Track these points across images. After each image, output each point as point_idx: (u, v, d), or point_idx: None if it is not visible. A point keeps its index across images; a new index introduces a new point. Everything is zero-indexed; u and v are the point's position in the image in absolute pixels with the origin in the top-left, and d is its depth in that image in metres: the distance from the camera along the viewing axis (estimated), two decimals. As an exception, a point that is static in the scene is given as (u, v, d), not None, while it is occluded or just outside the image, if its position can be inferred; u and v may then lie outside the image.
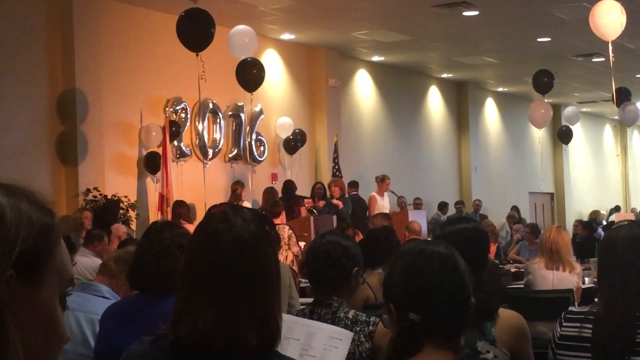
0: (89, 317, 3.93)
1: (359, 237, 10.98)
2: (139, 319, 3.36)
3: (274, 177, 15.64)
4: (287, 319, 2.29)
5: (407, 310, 2.32)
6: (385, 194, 16.09)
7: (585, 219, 22.41)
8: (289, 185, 14.77)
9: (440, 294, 2.34)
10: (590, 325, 3.10)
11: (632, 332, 2.99)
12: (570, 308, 3.21)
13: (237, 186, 14.46)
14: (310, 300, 3.71)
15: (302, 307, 3.93)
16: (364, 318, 3.49)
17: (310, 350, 3.01)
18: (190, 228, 3.44)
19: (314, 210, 14.08)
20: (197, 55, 11.17)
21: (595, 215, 24.90)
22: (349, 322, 3.45)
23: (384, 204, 15.81)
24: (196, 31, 11.29)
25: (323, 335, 3.02)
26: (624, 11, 11.12)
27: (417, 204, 18.50)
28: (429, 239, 12.35)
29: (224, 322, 2.05)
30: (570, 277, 7.66)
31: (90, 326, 3.89)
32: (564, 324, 3.17)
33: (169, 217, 12.44)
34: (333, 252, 3.55)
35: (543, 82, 16.64)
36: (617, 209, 27.30)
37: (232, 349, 2.05)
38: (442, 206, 19.61)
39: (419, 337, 2.33)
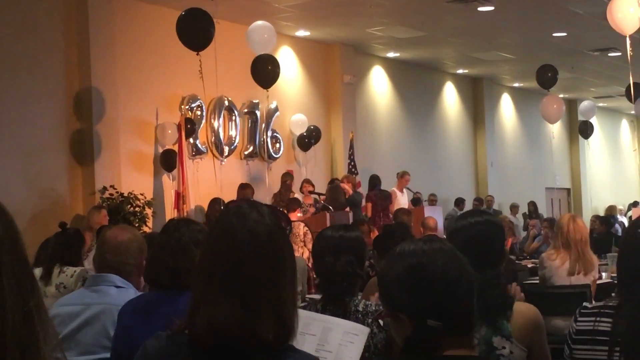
0: (106, 308, 3.96)
1: (375, 233, 11.00)
2: (156, 315, 3.38)
3: (290, 173, 15.61)
4: (303, 315, 2.29)
5: (422, 318, 2.29)
6: (405, 189, 16.11)
7: (602, 214, 22.31)
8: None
9: (457, 296, 2.31)
10: (607, 319, 3.06)
11: None
12: (585, 304, 3.18)
13: (287, 178, 14.60)
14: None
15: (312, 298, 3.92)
16: (373, 308, 3.49)
17: (327, 346, 3.01)
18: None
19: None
20: (197, 54, 11.19)
21: (611, 210, 24.77)
22: (359, 315, 3.46)
23: (403, 199, 15.82)
24: (195, 31, 11.35)
25: (339, 330, 3.02)
26: (642, 5, 11.06)
27: (432, 200, 18.47)
28: (444, 236, 12.35)
29: (239, 314, 2.06)
30: (589, 276, 7.56)
31: (109, 316, 3.92)
32: (579, 319, 3.15)
33: (184, 214, 12.46)
34: (346, 271, 3.54)
35: (547, 77, 16.57)
36: (635, 204, 27.16)
37: (248, 342, 2.06)
38: (459, 202, 19.57)
39: (437, 340, 2.31)
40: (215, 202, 12.93)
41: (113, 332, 3.75)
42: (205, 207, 13.71)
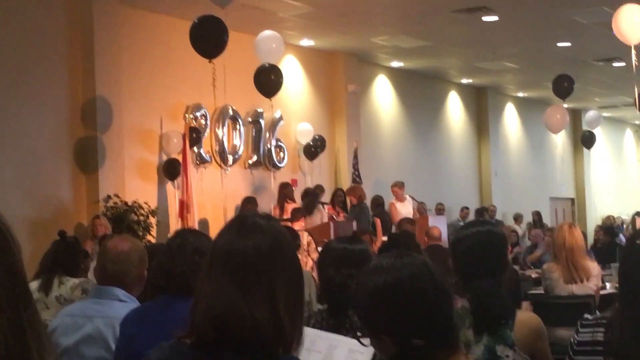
0: (108, 322, 3.96)
1: (378, 244, 11.01)
2: (159, 324, 3.39)
3: (294, 183, 15.62)
4: (309, 332, 2.31)
5: (404, 337, 2.26)
6: (408, 198, 16.06)
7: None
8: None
9: (434, 310, 2.28)
10: (602, 329, 3.07)
11: None
12: (586, 315, 3.20)
13: (317, 189, 14.87)
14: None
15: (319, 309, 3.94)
16: None
17: None
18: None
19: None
20: (209, 61, 11.17)
21: (609, 220, 24.77)
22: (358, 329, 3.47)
23: (405, 209, 15.79)
24: (209, 38, 11.30)
25: (344, 348, 3.03)
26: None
27: (439, 209, 18.47)
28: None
29: (238, 303, 2.11)
30: (589, 284, 7.57)
31: (111, 330, 3.93)
32: (580, 330, 3.16)
33: (189, 223, 12.47)
34: (345, 284, 3.54)
35: (563, 87, 16.57)
36: (638, 214, 27.12)
37: (246, 328, 2.09)
38: (463, 210, 19.65)
39: (426, 357, 2.28)
40: (248, 201, 13.39)
41: (114, 346, 3.76)
42: (209, 217, 13.76)
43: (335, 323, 3.49)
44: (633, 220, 24.99)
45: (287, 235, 2.28)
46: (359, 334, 2.33)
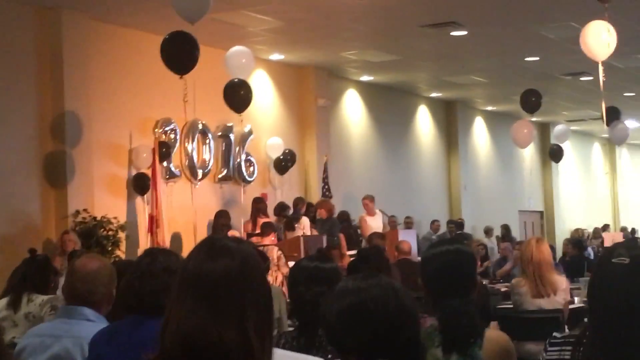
0: (77, 342, 3.94)
1: (347, 259, 11.03)
2: (128, 343, 3.41)
3: (264, 197, 15.61)
4: (278, 353, 2.33)
5: (371, 357, 2.28)
6: (378, 212, 16.12)
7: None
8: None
9: (400, 330, 2.30)
10: (570, 348, 3.08)
11: None
12: (555, 334, 3.19)
13: (299, 201, 14.69)
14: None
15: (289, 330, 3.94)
16: None
17: None
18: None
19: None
20: (180, 77, 11.14)
21: (577, 233, 25.01)
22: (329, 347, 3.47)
23: (375, 222, 15.84)
24: (180, 54, 11.26)
25: None
26: (613, 31, 11.16)
27: (408, 223, 18.52)
28: (419, 258, 12.38)
29: (205, 321, 2.11)
30: (557, 298, 7.63)
31: (79, 350, 3.91)
32: (549, 349, 3.16)
33: (159, 238, 12.43)
34: (316, 301, 3.53)
35: (531, 102, 16.69)
36: (604, 227, 27.38)
37: (214, 349, 2.09)
38: (434, 222, 19.78)
39: None
40: (220, 215, 13.51)
41: None
42: (179, 231, 13.72)
43: (306, 342, 3.49)
44: (596, 232, 25.24)
45: (256, 257, 2.29)
46: (329, 356, 2.35)
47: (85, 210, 12.08)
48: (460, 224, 20.46)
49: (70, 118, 12.26)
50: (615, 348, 2.92)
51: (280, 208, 14.82)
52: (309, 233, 13.95)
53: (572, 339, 3.10)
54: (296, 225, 13.93)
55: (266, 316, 2.23)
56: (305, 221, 14.32)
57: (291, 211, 14.84)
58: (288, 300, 8.78)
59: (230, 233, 13.48)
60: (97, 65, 12.90)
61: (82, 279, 4.06)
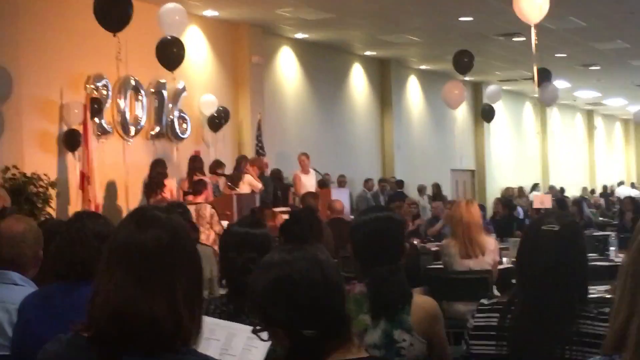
0: (3, 307, 3.89)
1: (279, 218, 11.05)
2: (61, 307, 3.39)
3: (197, 154, 15.53)
4: (208, 321, 2.34)
5: (297, 329, 2.32)
6: (311, 171, 16.16)
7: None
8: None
9: (325, 302, 2.33)
10: (497, 314, 3.14)
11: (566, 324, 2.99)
12: (482, 300, 3.25)
13: (241, 159, 14.70)
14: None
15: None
16: None
17: (230, 350, 3.05)
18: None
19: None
20: (114, 35, 10.98)
21: (508, 192, 25.43)
22: None
23: (309, 181, 15.89)
24: (113, 12, 11.11)
25: (243, 335, 3.06)
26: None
27: (341, 182, 18.60)
28: (352, 216, 12.45)
29: (134, 293, 2.13)
30: (486, 258, 7.75)
31: (7, 315, 3.85)
32: (476, 315, 3.22)
33: (90, 195, 12.33)
34: (248, 267, 3.54)
35: (463, 62, 16.81)
36: (534, 187, 27.83)
37: (143, 322, 2.11)
38: (368, 181, 19.89)
39: (319, 349, 2.34)
40: (157, 164, 13.63)
41: (11, 330, 3.71)
42: (110, 188, 13.62)
43: (235, 308, 3.51)
44: (520, 191, 25.71)
45: (186, 228, 2.29)
46: (258, 327, 2.37)
47: (15, 166, 11.92)
48: (400, 183, 20.60)
49: (-1, 73, 12.05)
50: (542, 310, 2.99)
51: (216, 165, 14.77)
52: (256, 190, 14.00)
53: (499, 306, 3.15)
54: (240, 183, 13.94)
55: (196, 287, 2.24)
56: (249, 178, 14.30)
57: (226, 169, 14.82)
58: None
59: (166, 182, 13.49)
60: (27, 17, 12.65)
61: (8, 242, 4.01)
